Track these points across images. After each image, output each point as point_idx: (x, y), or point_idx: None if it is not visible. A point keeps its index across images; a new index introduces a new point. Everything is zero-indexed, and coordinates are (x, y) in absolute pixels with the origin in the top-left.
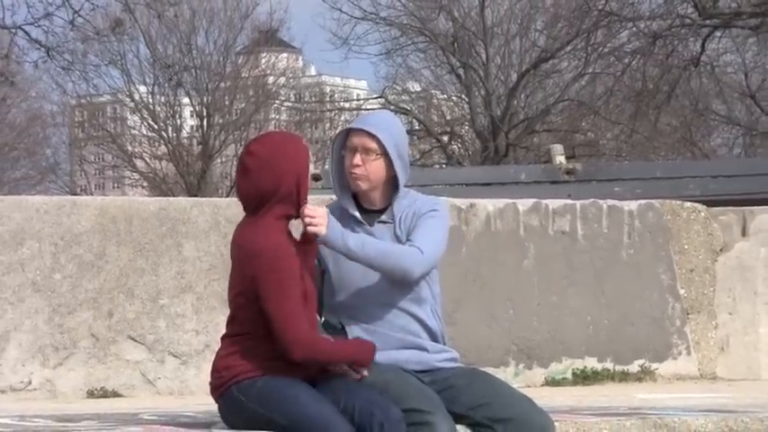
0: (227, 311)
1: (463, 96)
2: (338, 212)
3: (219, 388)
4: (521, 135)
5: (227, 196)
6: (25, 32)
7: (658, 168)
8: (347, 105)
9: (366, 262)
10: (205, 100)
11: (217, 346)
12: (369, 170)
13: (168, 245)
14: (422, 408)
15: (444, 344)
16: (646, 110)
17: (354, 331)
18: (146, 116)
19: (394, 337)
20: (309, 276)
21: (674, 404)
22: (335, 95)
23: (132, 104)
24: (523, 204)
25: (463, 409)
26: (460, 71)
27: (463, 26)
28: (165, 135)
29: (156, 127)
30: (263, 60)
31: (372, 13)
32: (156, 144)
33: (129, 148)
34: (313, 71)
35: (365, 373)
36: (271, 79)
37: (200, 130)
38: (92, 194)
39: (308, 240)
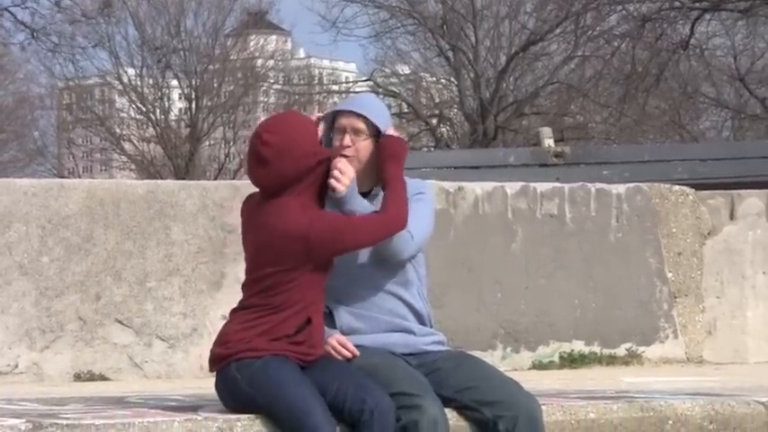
0: (215, 294)
1: (452, 79)
2: None
3: (221, 361)
4: (509, 118)
5: (216, 179)
6: (11, 14)
7: (647, 152)
8: (336, 88)
9: None
10: (193, 82)
11: (204, 329)
12: (358, 150)
13: (156, 228)
14: (410, 391)
15: (431, 326)
16: (635, 93)
17: (342, 315)
18: (134, 99)
19: (382, 320)
20: None
21: (660, 387)
22: (324, 78)
23: (120, 87)
24: (512, 187)
25: (450, 392)
26: (449, 54)
27: (452, 8)
28: (153, 117)
29: (144, 109)
30: (252, 43)
31: None
32: (145, 127)
33: (117, 130)
34: (302, 54)
35: None
36: (259, 62)
37: (188, 113)
38: (79, 177)
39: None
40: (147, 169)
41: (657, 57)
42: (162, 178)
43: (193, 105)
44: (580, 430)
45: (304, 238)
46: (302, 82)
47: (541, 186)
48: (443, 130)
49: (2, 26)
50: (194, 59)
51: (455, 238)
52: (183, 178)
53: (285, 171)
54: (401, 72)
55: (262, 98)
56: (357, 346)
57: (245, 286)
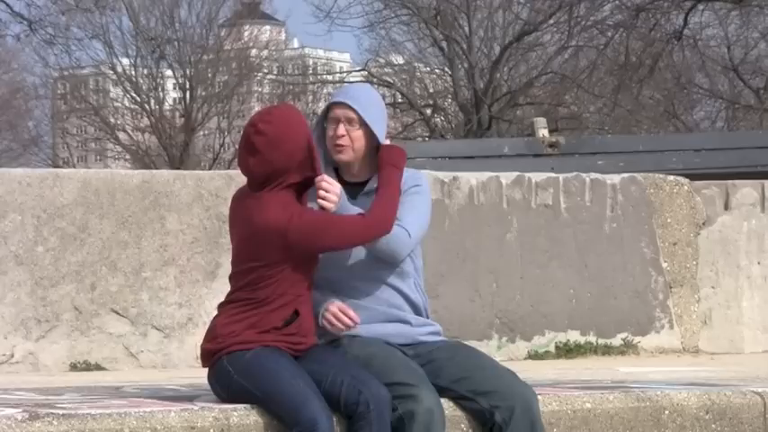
0: (210, 284)
1: (446, 69)
2: None
3: (212, 355)
4: (504, 108)
5: (210, 169)
6: (7, 5)
7: (641, 142)
8: (330, 78)
9: None
10: (188, 72)
11: (199, 319)
12: (352, 139)
13: (151, 218)
14: (406, 381)
15: (427, 317)
16: (628, 83)
17: None
18: (128, 88)
19: (379, 311)
20: None
21: (656, 377)
22: (318, 68)
23: (115, 77)
24: (506, 177)
25: (446, 383)
26: (443, 44)
27: None
28: (147, 107)
29: (138, 99)
30: (246, 33)
31: None
32: (139, 116)
33: (112, 120)
34: (296, 44)
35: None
36: (254, 52)
37: (182, 103)
38: (74, 167)
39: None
40: (141, 159)
41: (651, 47)
42: (156, 168)
43: (188, 95)
44: (576, 420)
45: (282, 233)
46: (296, 72)
47: (536, 176)
48: (438, 120)
49: None
50: (188, 50)
51: (450, 229)
52: (178, 168)
53: (276, 161)
54: (395, 62)
55: (256, 88)
56: (353, 337)
57: (231, 279)
